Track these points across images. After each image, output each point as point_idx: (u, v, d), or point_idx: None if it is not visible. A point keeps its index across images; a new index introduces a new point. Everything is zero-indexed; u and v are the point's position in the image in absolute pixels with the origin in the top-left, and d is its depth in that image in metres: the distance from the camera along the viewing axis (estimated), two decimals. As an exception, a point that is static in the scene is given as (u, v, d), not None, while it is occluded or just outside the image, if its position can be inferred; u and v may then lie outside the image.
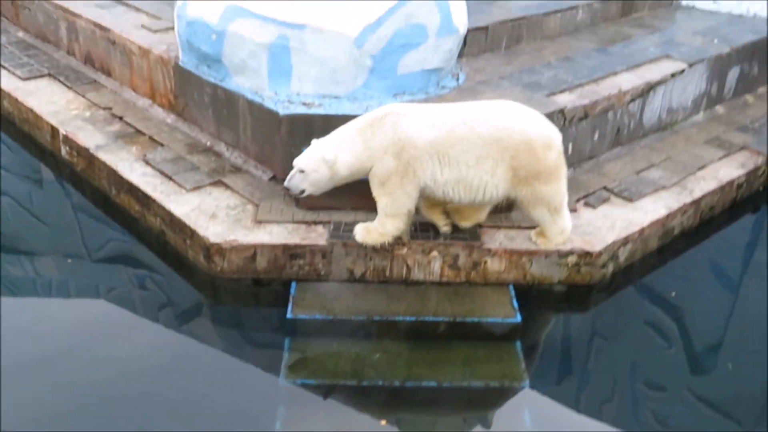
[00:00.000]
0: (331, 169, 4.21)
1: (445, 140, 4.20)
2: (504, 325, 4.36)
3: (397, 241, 4.56)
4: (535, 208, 4.44)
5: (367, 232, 4.50)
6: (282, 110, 4.94)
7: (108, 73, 6.77)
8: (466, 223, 4.70)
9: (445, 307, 4.47)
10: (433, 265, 4.63)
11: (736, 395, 4.11)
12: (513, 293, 4.59)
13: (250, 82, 5.27)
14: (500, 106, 4.39)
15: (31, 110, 6.27)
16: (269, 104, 5.06)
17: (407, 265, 4.64)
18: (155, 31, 6.36)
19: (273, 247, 4.59)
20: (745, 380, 4.22)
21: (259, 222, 4.73)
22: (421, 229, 4.71)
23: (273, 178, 5.13)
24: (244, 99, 5.22)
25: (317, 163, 4.21)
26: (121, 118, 6.08)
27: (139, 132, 5.86)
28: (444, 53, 5.28)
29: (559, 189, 4.41)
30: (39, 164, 6.19)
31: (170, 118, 6.04)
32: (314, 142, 4.31)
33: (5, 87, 6.67)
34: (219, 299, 4.73)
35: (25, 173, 6.10)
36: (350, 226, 4.67)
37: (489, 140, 4.21)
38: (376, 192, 4.34)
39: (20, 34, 7.86)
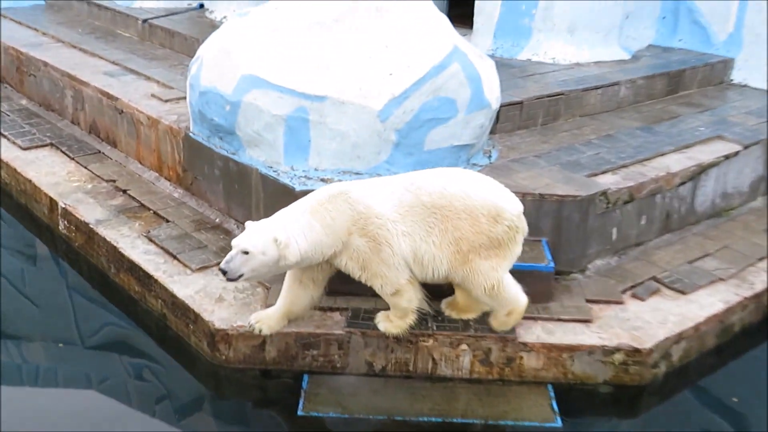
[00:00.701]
0: (281, 253, 4.09)
1: (397, 210, 4.21)
2: (542, 431, 4.25)
3: (422, 331, 4.50)
4: (472, 290, 4.31)
5: (389, 320, 4.45)
6: (298, 186, 4.99)
7: (113, 144, 6.92)
8: (458, 316, 4.64)
9: (476, 408, 4.37)
10: (462, 359, 4.56)
11: None
12: (552, 394, 4.48)
13: (265, 156, 5.34)
14: (447, 172, 4.41)
15: (30, 181, 6.40)
16: (284, 179, 5.12)
17: (433, 359, 4.56)
18: (165, 101, 6.53)
19: (284, 335, 4.54)
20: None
21: (270, 307, 4.69)
22: (448, 319, 4.65)
23: (287, 260, 5.13)
24: (258, 173, 5.29)
25: (266, 246, 4.05)
26: (124, 192, 6.18)
27: (143, 206, 5.94)
28: (475, 129, 5.34)
29: (495, 267, 4.23)
30: (34, 239, 6.27)
31: (177, 193, 6.12)
32: (251, 224, 4.21)
33: (4, 156, 6.84)
34: (223, 392, 4.65)
35: (18, 249, 6.16)
36: (370, 314, 4.62)
37: (432, 208, 4.21)
38: (363, 278, 4.28)
39: (23, 101, 8.11)
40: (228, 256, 4.12)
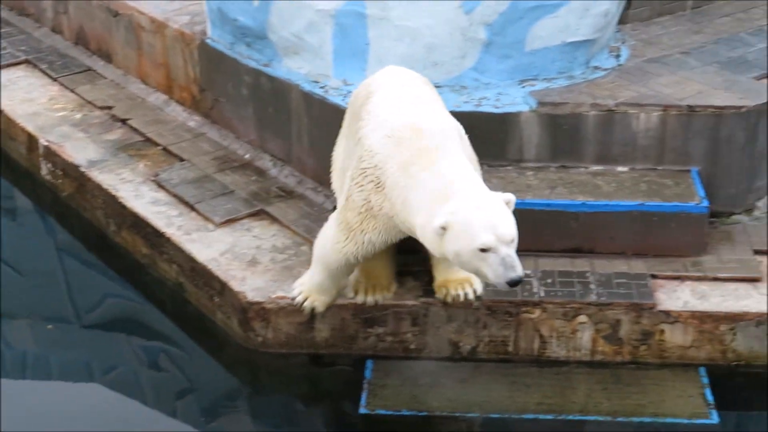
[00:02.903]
0: None
1: None
2: (692, 430, 4.28)
3: (526, 299, 4.57)
4: None
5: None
6: (354, 106, 5.04)
7: (107, 58, 7.11)
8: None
9: (600, 401, 4.42)
10: (580, 336, 4.61)
11: None
12: (706, 380, 4.51)
13: (308, 66, 5.42)
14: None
15: (1, 111, 6.66)
16: (335, 98, 5.20)
17: (541, 336, 4.63)
18: (174, -3, 6.67)
19: (339, 309, 4.66)
20: None
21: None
22: (560, 281, 4.70)
23: (340, 206, 5.23)
24: (299, 90, 5.37)
25: None
26: (124, 122, 6.38)
27: (149, 141, 6.12)
28: (596, 18, 5.30)
29: None
30: (11, 188, 6.53)
31: (193, 121, 6.29)
32: (476, 201, 3.84)
33: (-34, 80, 7.10)
34: (260, 384, 4.84)
35: (-10, 201, 6.45)
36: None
37: None
38: None
39: (-12, 5, 8.37)
40: (515, 256, 3.77)
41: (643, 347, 4.62)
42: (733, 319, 4.55)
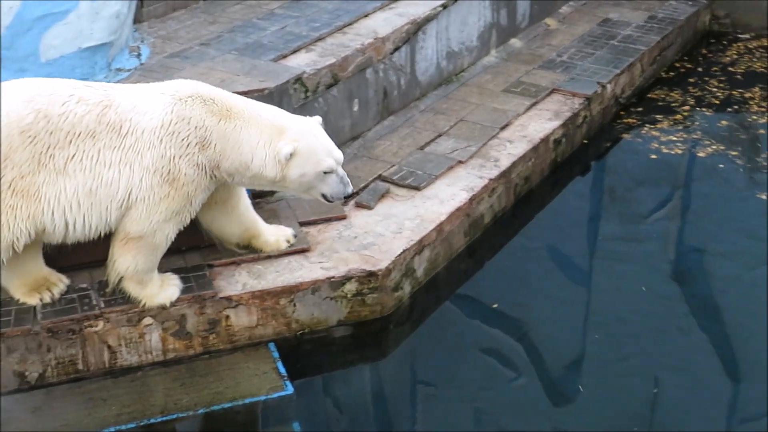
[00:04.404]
0: None
1: None
2: (272, 404, 4.45)
3: (86, 313, 4.50)
4: None
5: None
6: None
7: None
8: None
9: (179, 398, 4.47)
10: (149, 338, 4.63)
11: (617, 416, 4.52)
12: (276, 354, 4.70)
13: None
14: None
15: None
16: None
17: (109, 347, 4.58)
18: None
19: None
20: (624, 395, 4.63)
21: None
22: (119, 290, 4.64)
23: None
24: None
25: None
26: None
27: None
28: (108, 20, 5.31)
29: None
30: None
31: None
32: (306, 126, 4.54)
33: None
34: None
35: None
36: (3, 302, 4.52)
37: None
38: None
39: None
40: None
41: (212, 336, 4.72)
42: (291, 291, 4.79)
